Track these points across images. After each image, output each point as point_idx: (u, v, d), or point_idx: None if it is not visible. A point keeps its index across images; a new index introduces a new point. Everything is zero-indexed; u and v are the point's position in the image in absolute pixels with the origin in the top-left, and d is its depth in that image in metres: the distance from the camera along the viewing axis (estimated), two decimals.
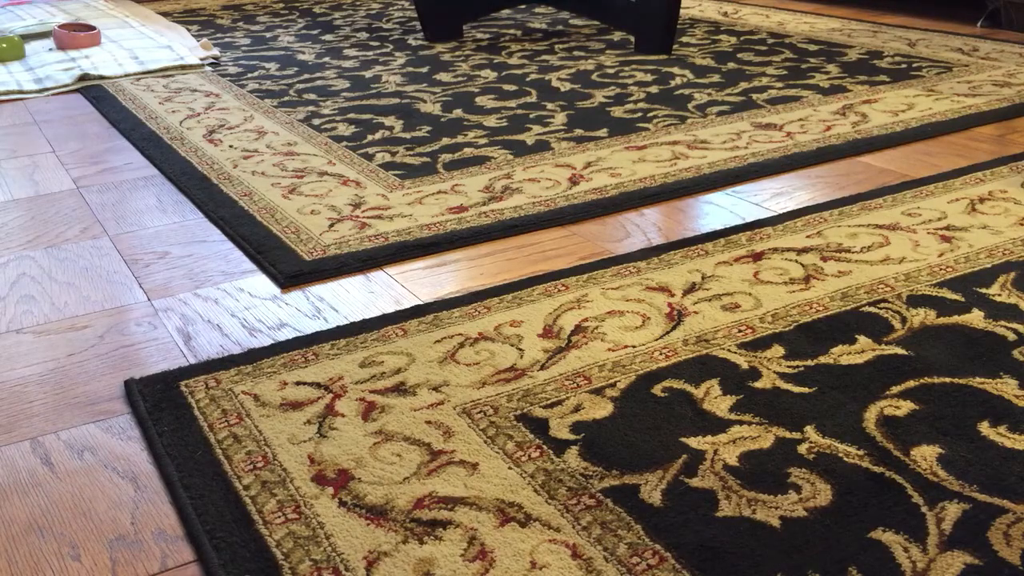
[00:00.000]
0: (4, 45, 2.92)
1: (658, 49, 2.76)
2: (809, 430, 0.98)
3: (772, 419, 1.00)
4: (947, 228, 1.47)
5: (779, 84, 2.38)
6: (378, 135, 2.06)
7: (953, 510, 0.86)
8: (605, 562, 0.81)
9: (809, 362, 1.11)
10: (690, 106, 2.20)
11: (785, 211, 1.57)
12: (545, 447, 0.97)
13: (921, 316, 1.21)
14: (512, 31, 3.21)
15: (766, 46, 2.85)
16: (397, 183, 1.75)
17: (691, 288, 1.30)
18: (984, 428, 0.98)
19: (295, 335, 1.22)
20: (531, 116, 2.16)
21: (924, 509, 0.86)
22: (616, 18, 2.95)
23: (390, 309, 1.28)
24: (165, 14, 3.76)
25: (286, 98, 2.42)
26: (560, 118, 2.14)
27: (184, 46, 3.03)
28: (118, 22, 3.55)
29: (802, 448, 0.96)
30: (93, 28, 3.15)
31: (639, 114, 2.15)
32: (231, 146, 2.02)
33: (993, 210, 1.53)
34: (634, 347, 1.16)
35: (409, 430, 1.01)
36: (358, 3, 3.92)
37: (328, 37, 3.21)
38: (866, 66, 2.54)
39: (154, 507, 0.92)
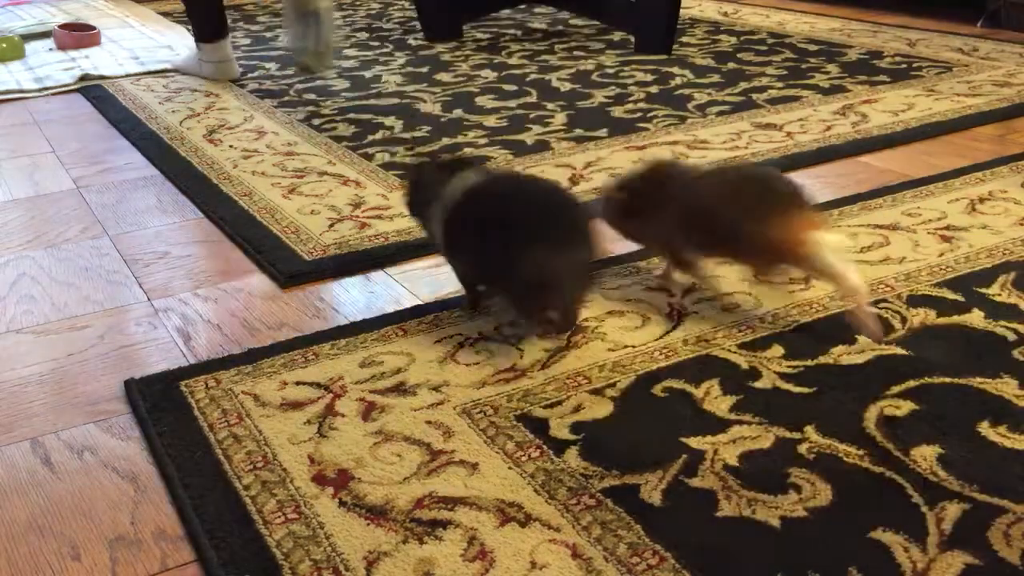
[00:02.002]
0: (4, 45, 2.92)
1: (658, 49, 2.76)
2: (809, 430, 0.98)
3: (772, 419, 1.00)
4: (947, 228, 1.47)
5: (779, 84, 2.38)
6: (378, 135, 2.06)
7: (953, 510, 0.86)
8: (605, 562, 0.81)
9: (809, 362, 1.11)
10: (690, 106, 2.20)
11: None
12: (545, 447, 0.97)
13: (921, 316, 1.21)
14: (512, 31, 3.21)
15: (766, 46, 2.85)
16: (397, 183, 1.75)
17: (691, 288, 1.30)
18: (984, 428, 0.98)
19: (295, 335, 1.22)
20: (531, 116, 2.16)
21: (924, 509, 0.86)
22: (616, 18, 2.94)
23: (390, 309, 1.28)
24: (165, 14, 3.76)
25: (286, 98, 2.42)
26: (560, 118, 2.14)
27: (184, 46, 3.03)
28: (118, 22, 3.55)
29: (802, 448, 0.96)
30: (93, 28, 3.15)
31: (639, 114, 2.15)
32: (231, 146, 2.02)
33: (993, 210, 1.53)
34: (634, 347, 1.16)
35: (409, 430, 1.01)
36: (358, 3, 3.92)
37: None
38: (866, 66, 2.54)
39: (154, 507, 0.92)
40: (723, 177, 1.23)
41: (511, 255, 1.09)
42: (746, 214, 1.14)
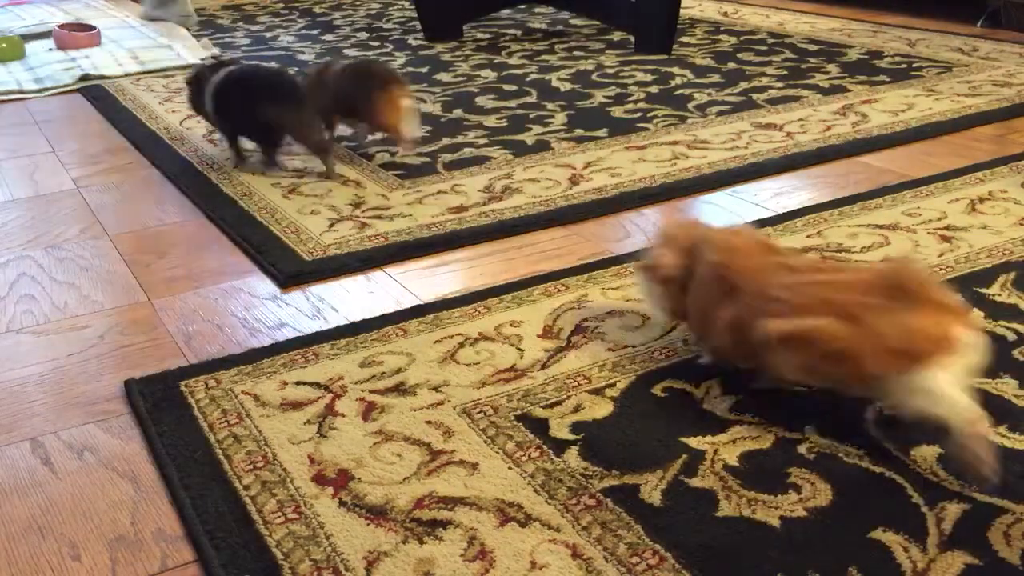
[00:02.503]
0: (4, 45, 2.92)
1: (658, 49, 2.76)
2: (809, 430, 0.98)
3: (772, 419, 1.00)
4: (947, 228, 1.47)
5: (779, 84, 2.38)
6: (378, 135, 2.05)
7: (953, 510, 0.86)
8: (605, 562, 0.81)
9: None
10: (690, 106, 2.20)
11: (785, 211, 1.57)
12: (545, 447, 0.97)
13: None
14: (512, 31, 3.21)
15: (766, 46, 2.85)
16: (397, 183, 1.75)
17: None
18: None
19: (295, 335, 1.22)
20: (531, 116, 2.16)
21: (924, 509, 0.86)
22: (616, 18, 2.94)
23: (390, 309, 1.28)
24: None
25: None
26: (560, 118, 2.14)
27: (184, 46, 3.03)
28: (118, 22, 3.55)
29: (802, 448, 0.96)
30: (93, 28, 3.15)
31: (639, 114, 2.15)
32: None
33: (993, 210, 1.53)
34: (634, 347, 1.16)
35: (409, 430, 1.01)
36: (358, 3, 3.92)
37: (328, 37, 3.21)
38: (866, 66, 2.54)
39: (154, 507, 0.92)
40: (346, 69, 1.89)
41: (253, 111, 1.77)
42: (363, 91, 1.82)
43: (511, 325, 1.22)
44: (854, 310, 0.91)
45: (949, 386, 0.87)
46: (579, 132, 2.03)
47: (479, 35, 3.15)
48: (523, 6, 3.42)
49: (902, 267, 0.94)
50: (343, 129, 2.03)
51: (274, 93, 1.76)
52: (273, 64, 2.65)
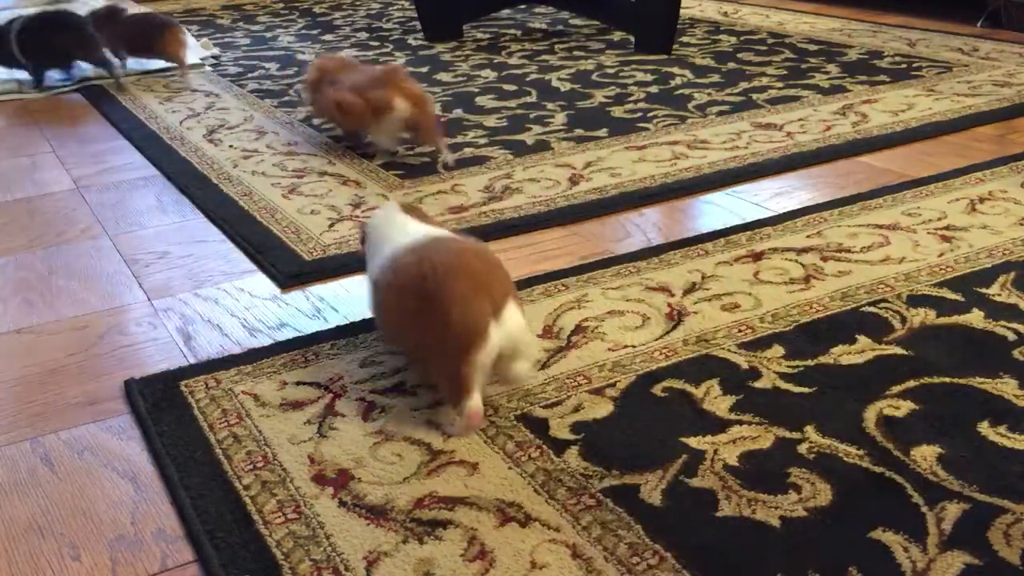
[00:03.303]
0: None
1: (658, 49, 2.76)
2: (809, 430, 0.98)
3: (772, 419, 1.00)
4: (947, 228, 1.47)
5: (779, 84, 2.38)
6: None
7: (953, 510, 0.86)
8: (605, 562, 0.81)
9: (809, 362, 1.11)
10: (690, 106, 2.20)
11: (785, 211, 1.57)
12: (545, 447, 0.97)
13: (921, 316, 1.21)
14: (512, 31, 3.21)
15: (766, 46, 2.85)
16: (397, 183, 1.75)
17: (691, 288, 1.30)
18: (984, 428, 0.98)
19: (295, 335, 1.22)
20: (531, 116, 2.16)
21: (924, 509, 0.86)
22: (616, 18, 2.94)
23: None
24: (165, 14, 3.75)
25: (286, 98, 2.42)
26: (560, 118, 2.14)
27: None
28: None
29: (802, 448, 0.96)
30: None
31: (639, 114, 2.15)
32: (231, 146, 2.02)
33: (993, 210, 1.53)
34: (634, 347, 1.16)
35: (409, 430, 1.01)
36: (358, 3, 3.92)
37: (328, 37, 3.21)
38: (866, 66, 2.54)
39: (154, 507, 0.92)
40: (135, 16, 2.63)
41: (50, 42, 2.43)
42: (154, 30, 2.60)
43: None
44: (364, 89, 1.80)
45: (391, 126, 1.80)
46: (579, 132, 2.03)
47: (479, 35, 3.15)
48: (523, 6, 3.42)
49: (390, 68, 1.83)
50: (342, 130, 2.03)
51: (65, 26, 2.40)
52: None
